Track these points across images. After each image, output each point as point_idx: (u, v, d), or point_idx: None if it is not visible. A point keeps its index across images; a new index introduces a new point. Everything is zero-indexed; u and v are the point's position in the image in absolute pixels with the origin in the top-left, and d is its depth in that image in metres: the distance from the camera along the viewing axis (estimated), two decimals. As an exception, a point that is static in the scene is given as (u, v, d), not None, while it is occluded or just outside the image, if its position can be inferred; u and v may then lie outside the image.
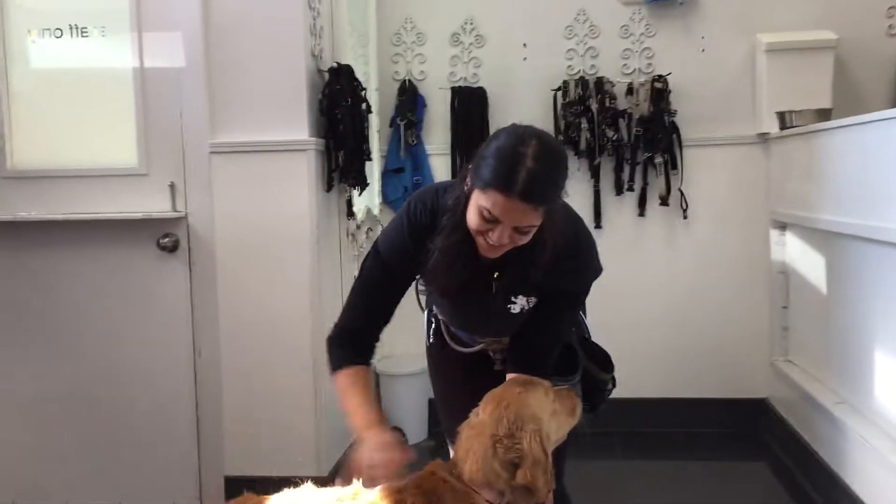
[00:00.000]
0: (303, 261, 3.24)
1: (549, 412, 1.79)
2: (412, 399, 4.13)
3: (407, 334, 4.32)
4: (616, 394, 4.34)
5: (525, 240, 1.81)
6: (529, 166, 1.71)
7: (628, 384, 4.07)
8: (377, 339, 2.08)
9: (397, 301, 2.06)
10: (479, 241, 1.85)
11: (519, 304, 1.98)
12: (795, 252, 3.78)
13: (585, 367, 2.12)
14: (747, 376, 4.11)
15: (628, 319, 4.09)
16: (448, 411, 2.33)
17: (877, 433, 2.82)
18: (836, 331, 3.29)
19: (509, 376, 1.98)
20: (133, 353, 3.34)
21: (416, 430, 4.12)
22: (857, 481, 2.92)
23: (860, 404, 3.03)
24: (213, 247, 3.26)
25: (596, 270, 2.03)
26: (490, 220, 1.77)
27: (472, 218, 1.81)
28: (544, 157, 1.74)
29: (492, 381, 1.92)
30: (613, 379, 2.22)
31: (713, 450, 3.96)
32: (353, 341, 2.05)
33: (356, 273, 2.14)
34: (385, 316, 2.06)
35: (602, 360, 2.16)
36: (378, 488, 1.79)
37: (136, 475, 3.37)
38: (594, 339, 2.24)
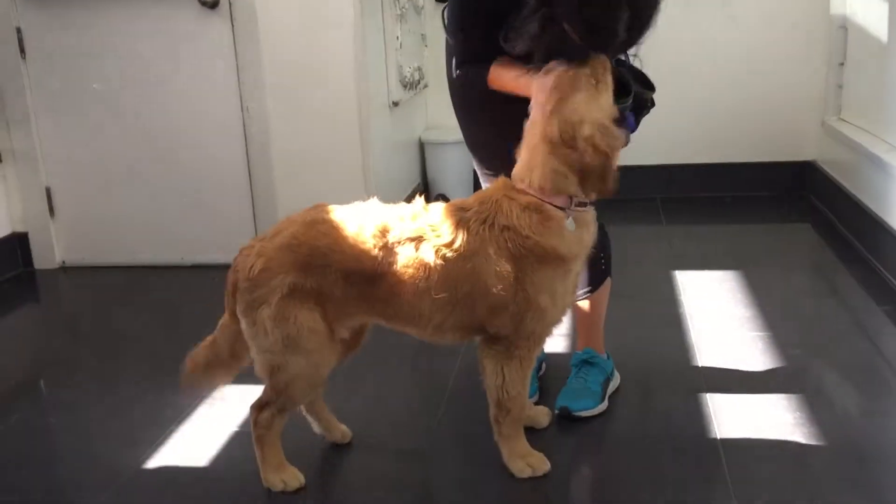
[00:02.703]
0: (345, 13, 3.19)
1: (596, 103, 1.77)
2: (457, 168, 4.17)
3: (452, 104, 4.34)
4: (662, 160, 4.35)
5: None
6: None
7: (676, 149, 4.12)
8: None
9: None
10: None
11: None
12: (857, 3, 3.60)
13: (636, 91, 2.07)
14: (797, 139, 4.06)
15: (676, 79, 3.97)
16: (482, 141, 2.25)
17: (927, 172, 2.80)
18: (894, 81, 3.18)
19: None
20: (182, 112, 3.40)
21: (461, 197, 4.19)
22: (902, 222, 2.94)
23: (912, 149, 2.99)
24: (255, 1, 3.22)
25: None
26: None
27: None
28: None
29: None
30: (653, 100, 2.15)
31: (759, 213, 3.98)
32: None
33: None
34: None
35: (644, 80, 2.09)
36: (440, 207, 1.85)
37: (195, 232, 3.52)
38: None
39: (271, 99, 3.32)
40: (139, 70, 3.36)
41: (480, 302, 1.81)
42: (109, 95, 3.40)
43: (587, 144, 1.73)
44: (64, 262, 3.64)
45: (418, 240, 1.80)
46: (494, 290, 1.78)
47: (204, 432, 2.22)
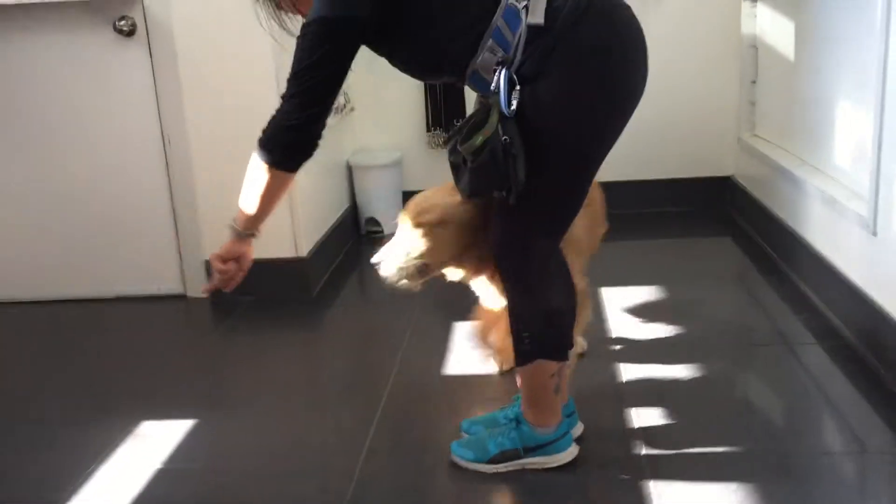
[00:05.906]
0: (265, 39, 3.16)
1: None
2: (386, 190, 4.18)
3: (379, 127, 4.36)
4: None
5: None
6: None
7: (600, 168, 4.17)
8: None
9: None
10: None
11: None
12: (766, 23, 3.74)
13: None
14: (714, 155, 4.17)
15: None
16: None
17: (833, 184, 2.91)
18: (801, 98, 3.31)
19: None
20: (101, 144, 3.33)
21: (391, 220, 4.19)
22: (814, 233, 3.05)
23: (820, 162, 3.11)
24: (172, 29, 3.18)
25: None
26: None
27: None
28: None
29: None
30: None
31: (679, 228, 4.07)
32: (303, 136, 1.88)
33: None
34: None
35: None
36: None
37: (119, 265, 3.45)
38: None
39: (192, 127, 3.27)
40: (55, 100, 3.29)
41: None
42: (24, 126, 3.32)
43: None
44: (-21, 298, 3.52)
45: None
46: None
47: (126, 471, 2.17)
